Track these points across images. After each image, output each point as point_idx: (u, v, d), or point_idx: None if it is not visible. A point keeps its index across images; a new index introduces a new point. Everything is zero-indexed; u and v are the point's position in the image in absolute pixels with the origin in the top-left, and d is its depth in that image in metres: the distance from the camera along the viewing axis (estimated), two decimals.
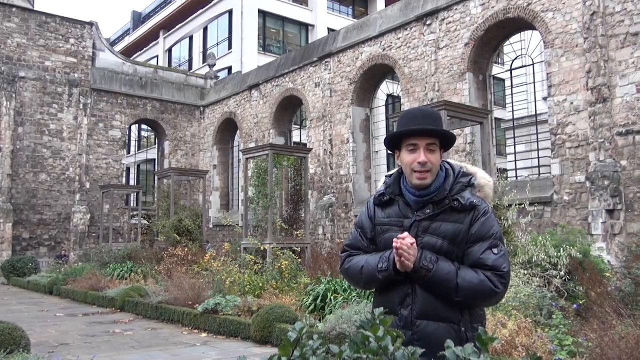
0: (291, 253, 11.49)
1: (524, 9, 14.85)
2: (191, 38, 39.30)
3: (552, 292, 6.80)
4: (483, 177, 2.28)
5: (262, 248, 11.94)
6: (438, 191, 2.19)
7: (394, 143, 2.28)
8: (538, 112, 16.94)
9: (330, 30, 33.58)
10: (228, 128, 27.76)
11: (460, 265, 2.12)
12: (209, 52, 34.77)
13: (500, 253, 2.12)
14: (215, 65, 31.79)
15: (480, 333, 1.47)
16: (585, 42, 13.35)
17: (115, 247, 19.05)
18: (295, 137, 26.01)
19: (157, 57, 42.87)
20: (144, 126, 32.78)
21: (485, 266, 2.10)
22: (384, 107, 22.86)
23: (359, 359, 1.38)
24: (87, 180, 25.06)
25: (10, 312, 11.12)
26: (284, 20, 36.14)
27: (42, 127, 24.33)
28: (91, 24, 26.17)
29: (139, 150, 39.56)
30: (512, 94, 17.50)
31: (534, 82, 16.62)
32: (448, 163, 2.29)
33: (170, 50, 42.21)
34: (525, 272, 7.02)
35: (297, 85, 22.81)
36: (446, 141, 2.25)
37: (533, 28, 15.17)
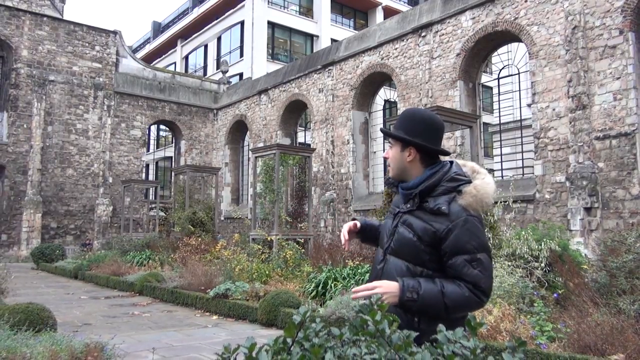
0: (295, 244, 11.49)
1: (511, 22, 14.79)
2: (206, 46, 39.26)
3: (533, 282, 6.78)
4: (474, 185, 2.01)
5: (268, 239, 11.93)
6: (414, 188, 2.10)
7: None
8: (523, 118, 16.88)
9: (333, 40, 33.53)
10: (239, 129, 27.75)
11: (442, 282, 1.94)
12: (222, 59, 34.75)
13: (479, 267, 1.93)
14: (227, 71, 31.76)
15: (469, 318, 1.46)
16: (566, 53, 13.29)
17: (134, 236, 19.05)
18: (300, 137, 25.98)
19: (175, 63, 42.85)
20: (162, 126, 32.77)
21: (466, 281, 1.94)
22: (382, 111, 22.82)
23: (357, 340, 1.36)
24: (109, 175, 25.09)
25: (38, 295, 11.14)
26: (291, 31, 36.06)
27: (69, 126, 24.35)
28: (115, 33, 26.14)
29: (157, 148, 39.61)
30: (499, 101, 17.47)
31: (519, 90, 16.54)
32: (450, 164, 2.11)
33: (186, 57, 42.18)
34: (509, 263, 7.00)
35: (302, 91, 22.78)
36: (408, 141, 2.09)
37: (519, 40, 15.10)
